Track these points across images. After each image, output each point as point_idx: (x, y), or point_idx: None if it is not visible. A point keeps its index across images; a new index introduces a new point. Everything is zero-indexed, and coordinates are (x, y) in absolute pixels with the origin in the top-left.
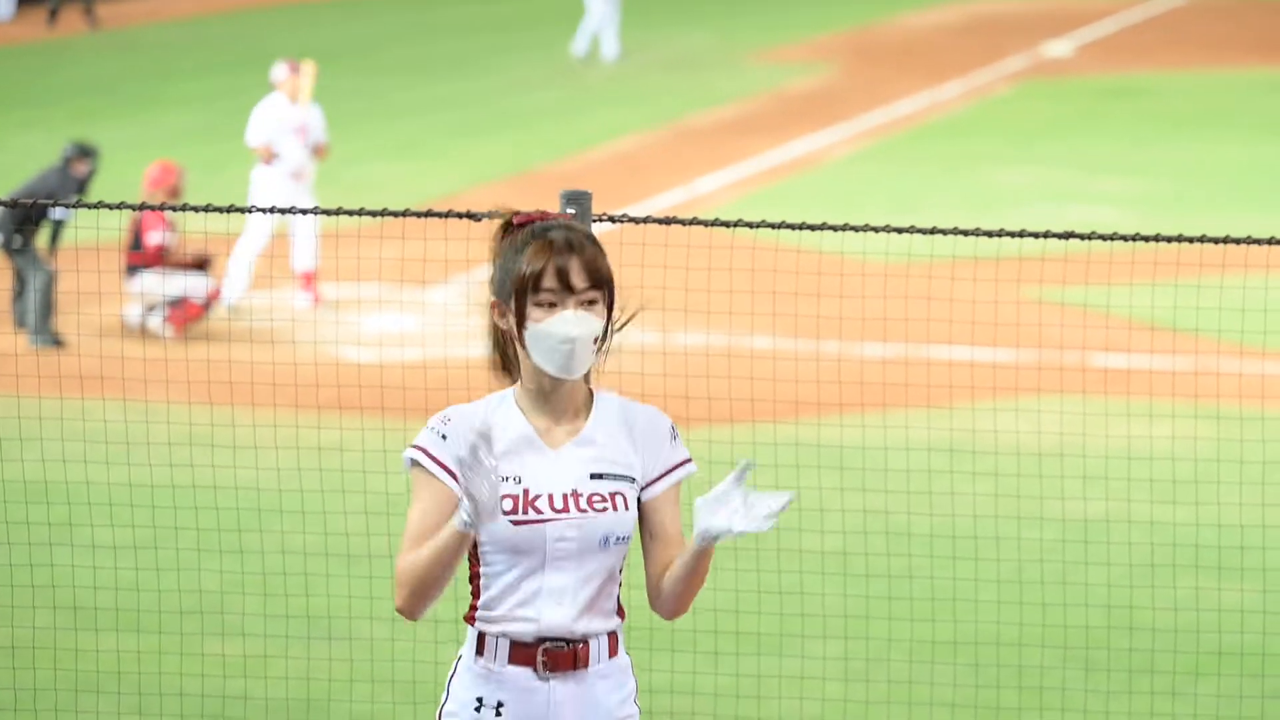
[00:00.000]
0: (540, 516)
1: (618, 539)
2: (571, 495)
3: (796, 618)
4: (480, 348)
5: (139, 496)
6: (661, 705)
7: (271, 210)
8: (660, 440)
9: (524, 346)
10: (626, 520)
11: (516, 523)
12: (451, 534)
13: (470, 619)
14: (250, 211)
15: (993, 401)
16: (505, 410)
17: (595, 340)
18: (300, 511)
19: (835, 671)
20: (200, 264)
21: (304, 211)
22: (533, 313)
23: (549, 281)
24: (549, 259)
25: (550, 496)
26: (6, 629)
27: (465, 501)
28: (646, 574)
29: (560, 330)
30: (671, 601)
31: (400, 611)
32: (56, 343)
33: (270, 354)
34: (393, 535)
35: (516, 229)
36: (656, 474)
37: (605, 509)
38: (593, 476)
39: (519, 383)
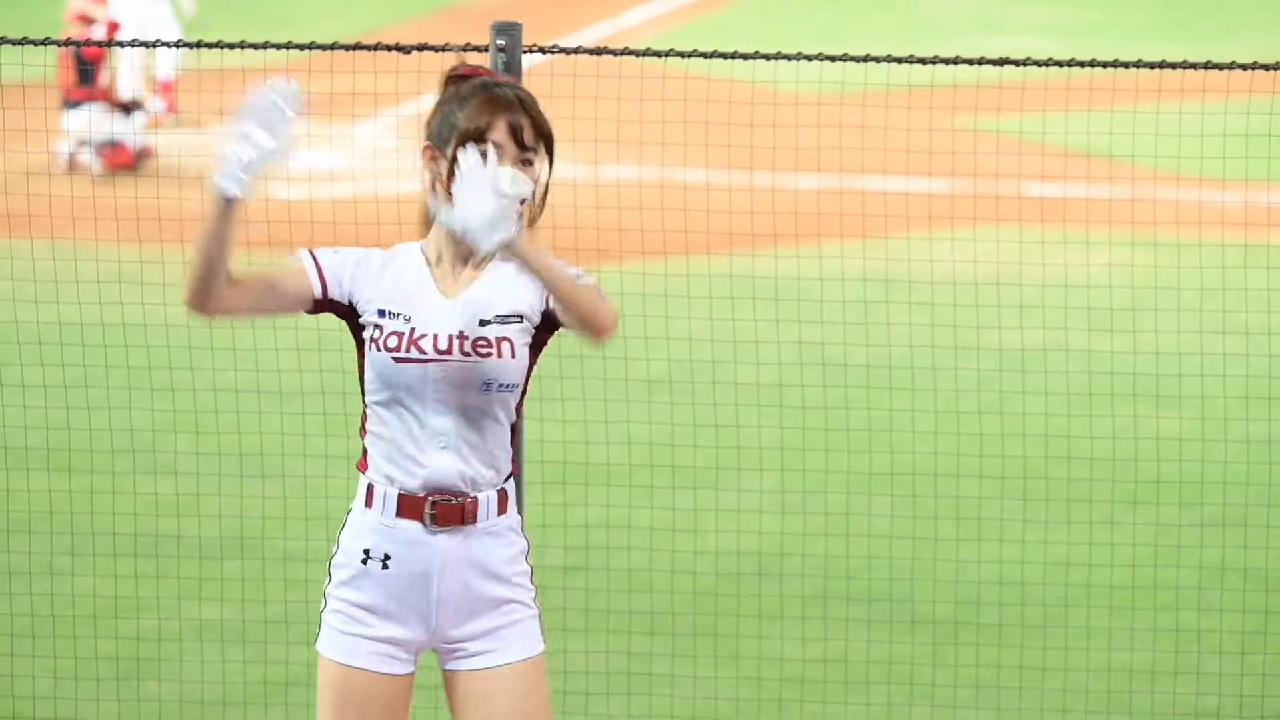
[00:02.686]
0: (423, 356)
1: (500, 385)
2: (458, 337)
3: (732, 451)
4: (411, 183)
5: (69, 335)
6: (597, 540)
7: (199, 44)
8: None
9: (450, 195)
10: (511, 368)
11: (398, 360)
12: (215, 201)
13: (362, 465)
14: (178, 46)
15: (928, 232)
16: (408, 255)
17: (521, 202)
18: (231, 349)
19: (771, 504)
20: (130, 107)
21: (230, 46)
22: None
23: (499, 135)
24: (499, 113)
25: (435, 337)
26: None
27: (238, 151)
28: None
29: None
30: (570, 319)
31: (186, 304)
32: None
33: (199, 191)
34: (325, 372)
35: (461, 79)
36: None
37: (489, 354)
38: (481, 323)
39: (431, 231)
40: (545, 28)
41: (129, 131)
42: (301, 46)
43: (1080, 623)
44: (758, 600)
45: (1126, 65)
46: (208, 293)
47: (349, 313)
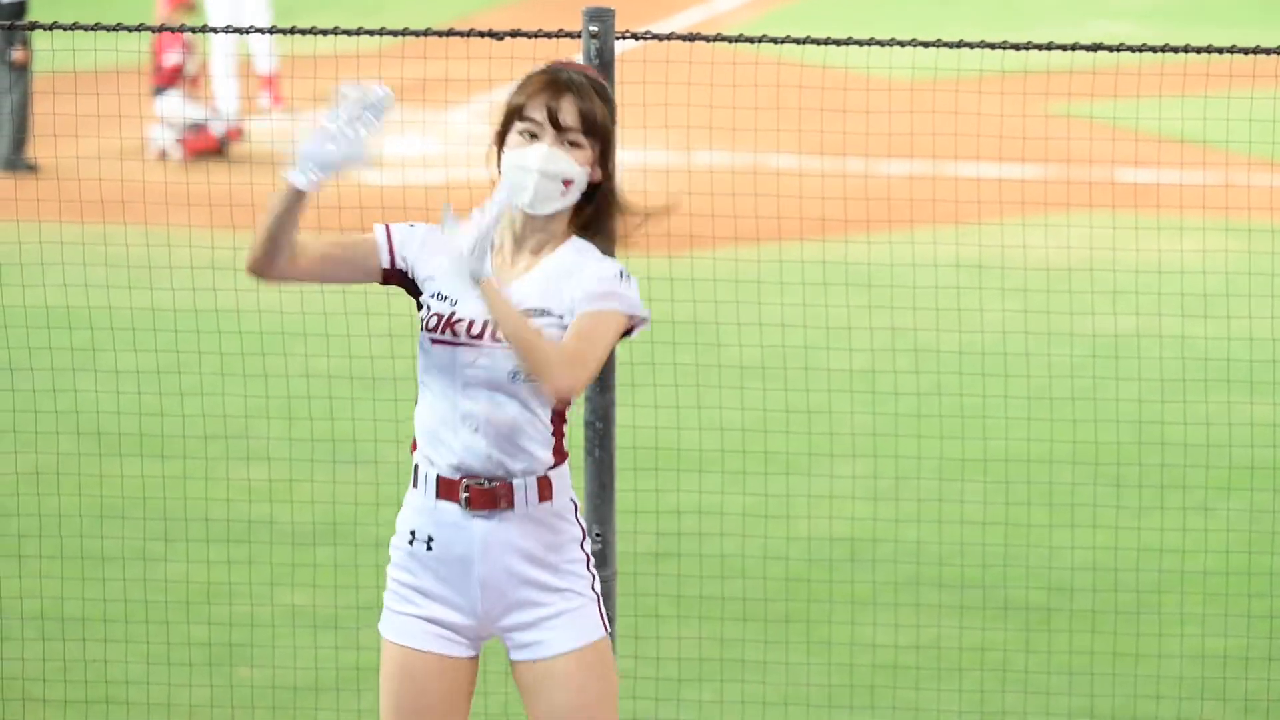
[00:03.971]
0: (455, 339)
1: (528, 376)
2: (494, 325)
3: (824, 437)
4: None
5: (161, 321)
6: (689, 526)
7: (292, 30)
8: (593, 279)
9: (500, 173)
10: None
11: (434, 341)
12: (285, 188)
13: (413, 446)
14: (271, 32)
15: (1021, 218)
16: None
17: (565, 183)
18: (323, 334)
19: (864, 490)
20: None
21: (322, 32)
22: (511, 139)
23: (534, 112)
24: (541, 91)
25: (471, 323)
26: (30, 455)
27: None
28: None
29: (524, 160)
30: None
31: (248, 269)
32: (30, 168)
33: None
34: (416, 358)
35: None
36: (575, 305)
37: None
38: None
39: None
40: (638, 14)
41: (218, 117)
42: (395, 33)
43: (1173, 609)
44: (849, 586)
45: (1220, 50)
46: (269, 265)
47: (412, 288)
